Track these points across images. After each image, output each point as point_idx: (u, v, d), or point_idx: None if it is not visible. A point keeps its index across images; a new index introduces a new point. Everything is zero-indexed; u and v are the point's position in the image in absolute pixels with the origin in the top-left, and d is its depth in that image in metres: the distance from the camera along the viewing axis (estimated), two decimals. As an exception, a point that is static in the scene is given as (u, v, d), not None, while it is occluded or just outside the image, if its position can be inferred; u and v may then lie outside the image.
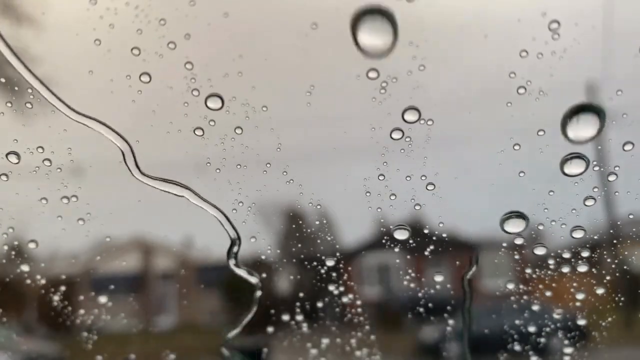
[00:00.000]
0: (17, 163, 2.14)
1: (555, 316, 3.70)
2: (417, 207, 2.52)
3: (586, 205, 2.36)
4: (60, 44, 2.18)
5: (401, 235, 2.44)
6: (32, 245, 2.59)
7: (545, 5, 1.92)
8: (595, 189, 2.38)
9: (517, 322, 3.14)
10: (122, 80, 2.14)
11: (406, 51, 2.09)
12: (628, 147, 2.24)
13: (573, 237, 2.54)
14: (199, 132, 2.25)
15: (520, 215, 2.29)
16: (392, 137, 2.31)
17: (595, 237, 2.69)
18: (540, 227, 2.56)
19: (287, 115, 2.32)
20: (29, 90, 2.05)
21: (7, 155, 2.17)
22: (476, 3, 2.20)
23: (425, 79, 2.18)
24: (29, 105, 2.13)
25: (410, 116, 2.21)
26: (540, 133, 2.33)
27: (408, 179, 2.42)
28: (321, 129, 2.51)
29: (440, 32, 2.14)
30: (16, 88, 2.18)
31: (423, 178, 2.43)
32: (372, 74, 2.05)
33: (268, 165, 2.45)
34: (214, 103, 2.15)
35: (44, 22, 2.27)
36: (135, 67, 2.09)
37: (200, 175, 2.39)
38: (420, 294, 3.28)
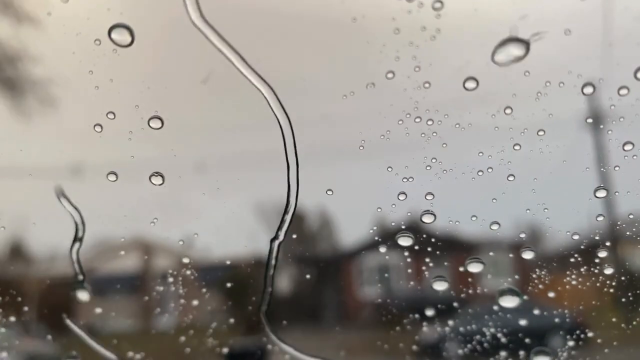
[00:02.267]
0: (18, 163, 2.14)
1: (555, 316, 3.69)
2: (417, 207, 2.52)
3: (586, 205, 2.36)
4: (60, 44, 2.18)
5: (405, 242, 2.43)
6: (35, 243, 2.59)
7: (546, 5, 1.93)
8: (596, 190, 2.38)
9: (516, 322, 3.14)
10: (122, 80, 2.14)
11: (406, 51, 2.09)
12: (628, 147, 2.25)
13: (572, 237, 2.54)
14: (198, 132, 2.25)
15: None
16: (392, 138, 2.31)
17: (596, 237, 2.68)
18: (541, 227, 2.56)
19: (289, 115, 2.32)
20: (30, 91, 2.05)
21: (8, 154, 2.17)
22: (476, 2, 2.21)
23: (425, 79, 2.18)
24: (29, 106, 2.13)
25: (410, 117, 2.21)
26: (540, 133, 2.33)
27: (408, 179, 2.42)
28: (321, 128, 2.51)
29: (440, 32, 2.14)
30: (16, 88, 2.18)
31: (423, 178, 2.43)
32: (372, 75, 2.06)
33: (268, 166, 2.45)
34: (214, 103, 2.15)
35: (45, 22, 2.27)
36: (135, 67, 2.09)
37: (199, 175, 2.39)
38: (419, 294, 3.28)
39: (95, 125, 2.19)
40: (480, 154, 2.48)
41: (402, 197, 2.44)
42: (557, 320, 3.58)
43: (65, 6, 2.09)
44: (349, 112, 2.21)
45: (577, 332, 3.00)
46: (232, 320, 3.29)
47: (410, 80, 2.18)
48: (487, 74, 2.38)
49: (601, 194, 2.33)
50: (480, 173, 2.46)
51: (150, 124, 2.12)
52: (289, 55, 2.49)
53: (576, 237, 2.57)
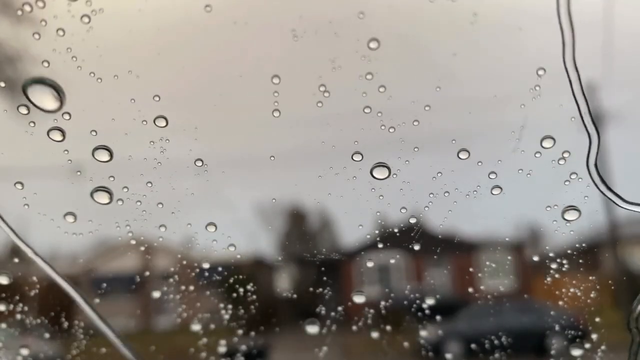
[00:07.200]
0: (20, 164, 2.14)
1: (555, 316, 3.70)
2: (418, 208, 2.52)
3: (587, 205, 2.37)
4: (60, 43, 2.18)
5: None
6: (35, 243, 2.59)
7: (546, 5, 1.93)
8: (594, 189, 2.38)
9: (516, 322, 3.14)
10: (123, 80, 2.14)
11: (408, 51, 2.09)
12: (629, 147, 2.25)
13: (574, 237, 2.55)
14: (198, 132, 2.25)
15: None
16: (392, 138, 2.31)
17: (595, 237, 2.69)
18: (542, 228, 2.56)
19: (289, 115, 2.32)
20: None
21: (8, 154, 2.17)
22: (476, 2, 2.21)
23: (426, 80, 2.19)
24: (27, 107, 2.13)
25: (411, 117, 2.21)
26: (540, 133, 2.33)
27: (408, 179, 2.43)
28: (321, 128, 2.52)
29: (440, 33, 2.15)
30: (16, 88, 2.18)
31: (424, 178, 2.43)
32: (372, 75, 2.06)
33: (268, 165, 2.45)
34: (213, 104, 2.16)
35: (45, 22, 2.27)
36: (137, 68, 2.09)
37: (199, 175, 2.39)
38: (419, 294, 3.28)
39: (95, 125, 2.20)
40: (482, 154, 2.49)
41: (402, 197, 2.44)
42: (556, 320, 3.59)
43: (64, 6, 2.09)
44: (349, 112, 2.21)
45: (577, 332, 3.00)
46: (232, 320, 3.30)
47: (411, 81, 2.18)
48: (486, 74, 2.39)
49: (599, 194, 2.33)
50: (481, 173, 2.47)
51: (156, 123, 2.13)
52: (291, 54, 2.50)
53: (577, 236, 2.57)
